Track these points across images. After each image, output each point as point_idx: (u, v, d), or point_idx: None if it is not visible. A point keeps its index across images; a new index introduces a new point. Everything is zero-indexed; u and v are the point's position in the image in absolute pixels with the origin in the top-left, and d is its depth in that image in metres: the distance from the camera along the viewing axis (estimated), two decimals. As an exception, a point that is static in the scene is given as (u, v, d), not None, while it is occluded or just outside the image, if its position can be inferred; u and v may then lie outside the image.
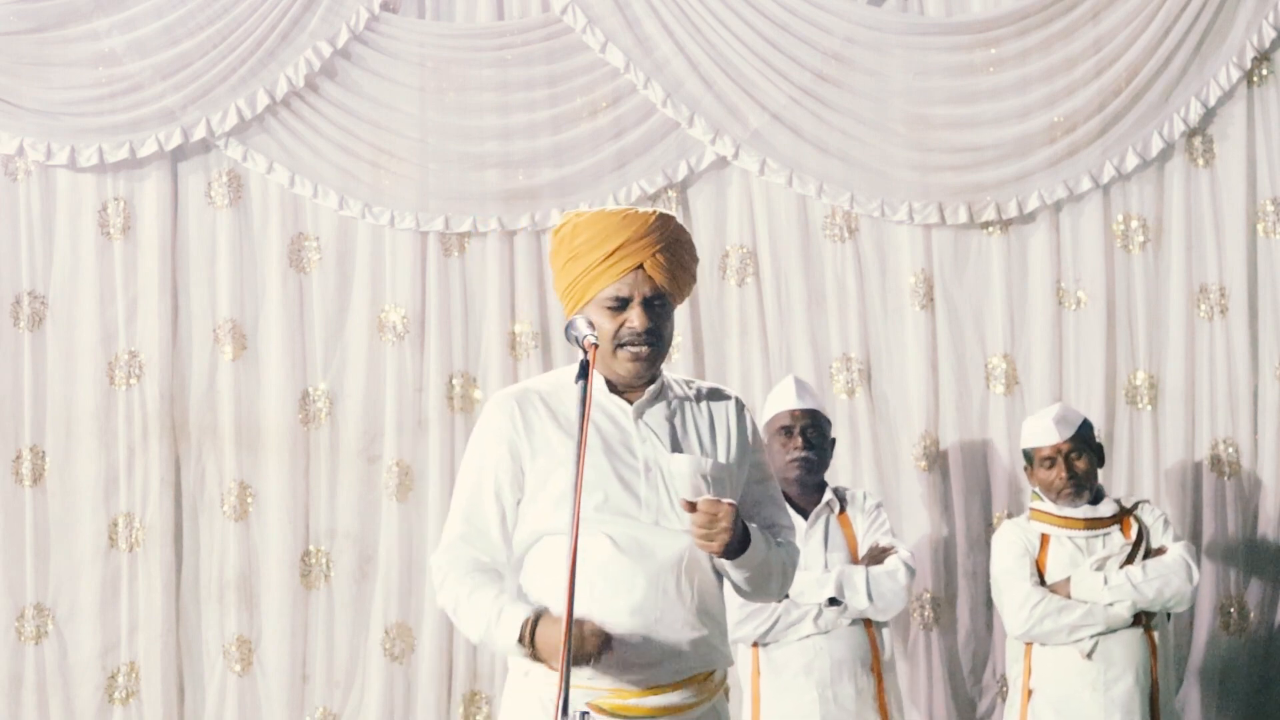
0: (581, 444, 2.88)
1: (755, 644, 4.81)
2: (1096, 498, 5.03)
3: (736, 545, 3.07)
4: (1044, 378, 5.84)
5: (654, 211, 3.24)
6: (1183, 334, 5.87)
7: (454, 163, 5.91)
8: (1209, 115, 5.90)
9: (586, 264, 3.18)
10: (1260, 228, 5.90)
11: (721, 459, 3.23)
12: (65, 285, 5.88)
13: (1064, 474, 4.96)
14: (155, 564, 5.81)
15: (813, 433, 4.97)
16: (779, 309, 5.90)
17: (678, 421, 3.23)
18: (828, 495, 4.95)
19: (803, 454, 4.93)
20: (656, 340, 3.19)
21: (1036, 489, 5.07)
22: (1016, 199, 5.87)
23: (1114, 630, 4.83)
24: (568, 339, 3.15)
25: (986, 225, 5.92)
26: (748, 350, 5.90)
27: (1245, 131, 5.90)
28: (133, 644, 5.81)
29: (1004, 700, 5.55)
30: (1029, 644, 4.92)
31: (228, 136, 5.87)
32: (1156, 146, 5.86)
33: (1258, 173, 5.91)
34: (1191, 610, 5.55)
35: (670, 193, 5.93)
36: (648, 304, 3.18)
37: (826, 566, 4.83)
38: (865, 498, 5.03)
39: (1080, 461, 4.98)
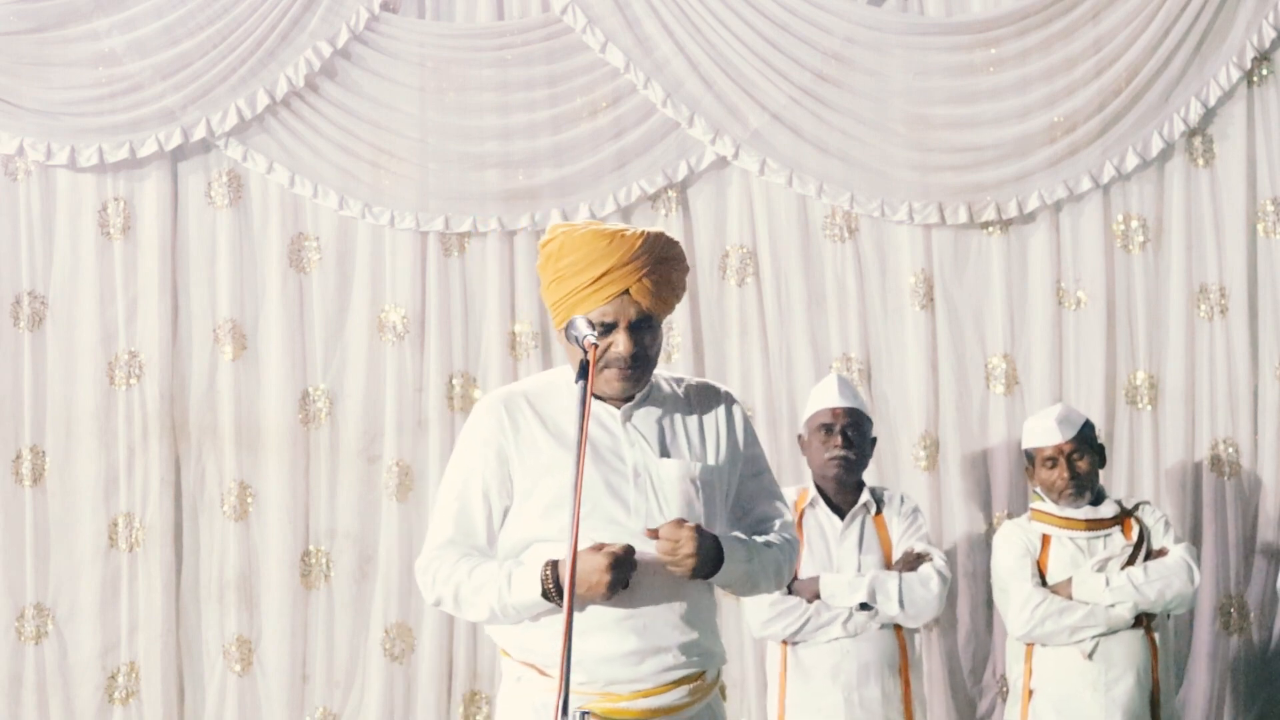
0: (581, 444, 2.87)
1: (785, 642, 4.80)
2: (1098, 499, 5.03)
3: (709, 565, 3.08)
4: (1044, 378, 5.84)
5: (641, 233, 3.19)
6: (1183, 334, 5.87)
7: (454, 163, 5.91)
8: (1209, 115, 5.90)
9: (572, 286, 3.16)
10: (1260, 228, 5.90)
11: (711, 460, 3.22)
12: (65, 285, 5.88)
13: (1066, 474, 4.96)
14: (155, 564, 5.81)
15: (853, 432, 4.94)
16: (779, 309, 5.89)
17: (667, 423, 3.22)
18: (864, 496, 4.92)
19: (842, 453, 4.90)
20: (643, 363, 3.18)
21: (1037, 489, 5.07)
22: (1016, 199, 5.87)
23: (1115, 631, 4.83)
24: (567, 338, 3.15)
25: (986, 225, 5.92)
26: (748, 350, 5.89)
27: (1245, 131, 5.90)
28: (133, 644, 5.81)
29: (1004, 700, 5.55)
30: (1030, 644, 4.91)
31: (228, 136, 5.87)
32: (1156, 146, 5.86)
33: (1258, 173, 5.91)
34: (1191, 610, 5.54)
35: (670, 193, 5.93)
36: (634, 328, 3.15)
37: (860, 569, 4.81)
38: (903, 500, 4.99)
39: (1082, 462, 4.98)
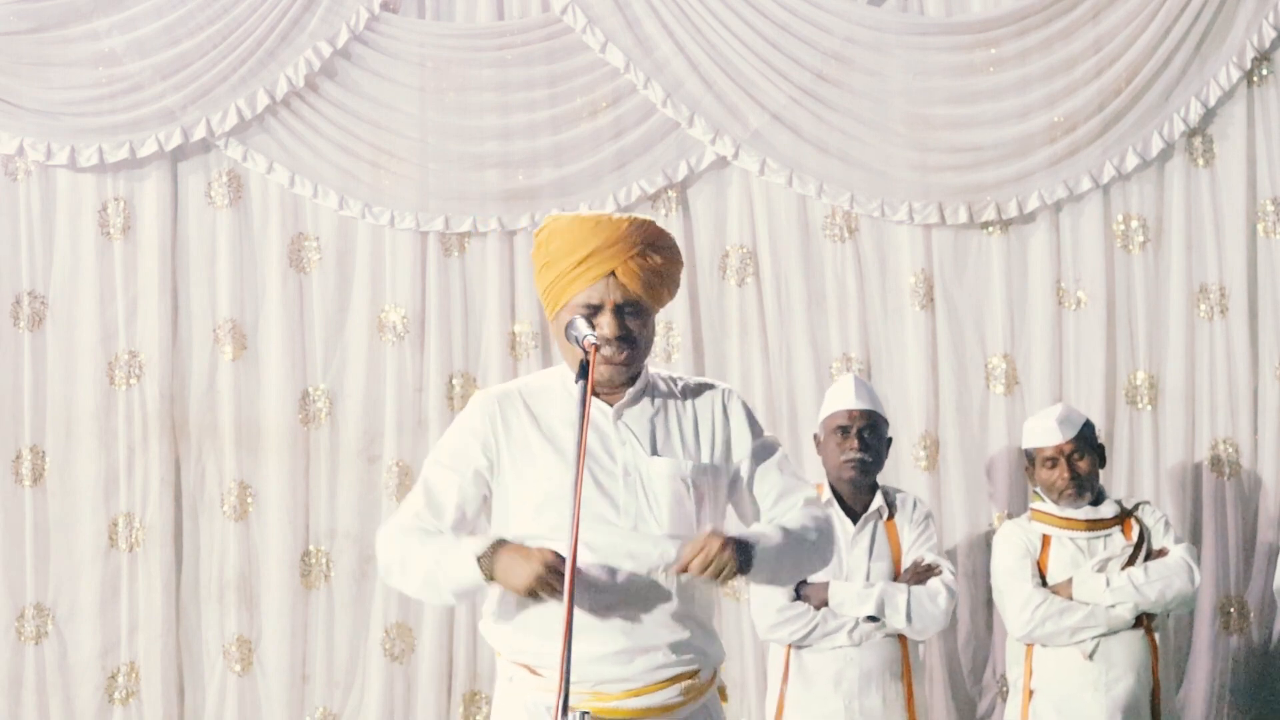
0: (581, 444, 2.86)
1: (789, 645, 4.79)
2: (1098, 499, 5.02)
3: (745, 558, 3.04)
4: (1044, 378, 5.84)
5: (629, 218, 3.20)
6: (1183, 334, 5.87)
7: (454, 163, 5.91)
8: (1209, 115, 5.90)
9: (560, 270, 3.16)
10: (1260, 228, 5.90)
11: (705, 459, 3.19)
12: (65, 285, 5.88)
13: (1066, 474, 4.96)
14: (155, 564, 5.81)
15: (870, 434, 4.91)
16: (779, 309, 5.89)
17: (659, 421, 3.19)
18: (877, 501, 4.90)
19: (858, 455, 4.88)
20: (629, 345, 3.15)
21: (1037, 489, 5.07)
22: (1016, 199, 5.87)
23: (1115, 631, 4.83)
24: (567, 338, 3.14)
25: (986, 225, 5.92)
26: (748, 350, 5.89)
27: (1245, 131, 5.90)
28: (133, 644, 5.81)
29: (1004, 700, 5.54)
30: (1030, 645, 4.91)
31: (228, 136, 5.87)
32: (1156, 146, 5.86)
33: (1258, 173, 5.91)
34: (1191, 610, 5.54)
35: (670, 193, 5.93)
36: (619, 310, 3.14)
37: (869, 576, 4.80)
38: (915, 506, 4.96)
39: (1082, 462, 4.98)
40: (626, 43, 5.86)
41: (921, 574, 4.80)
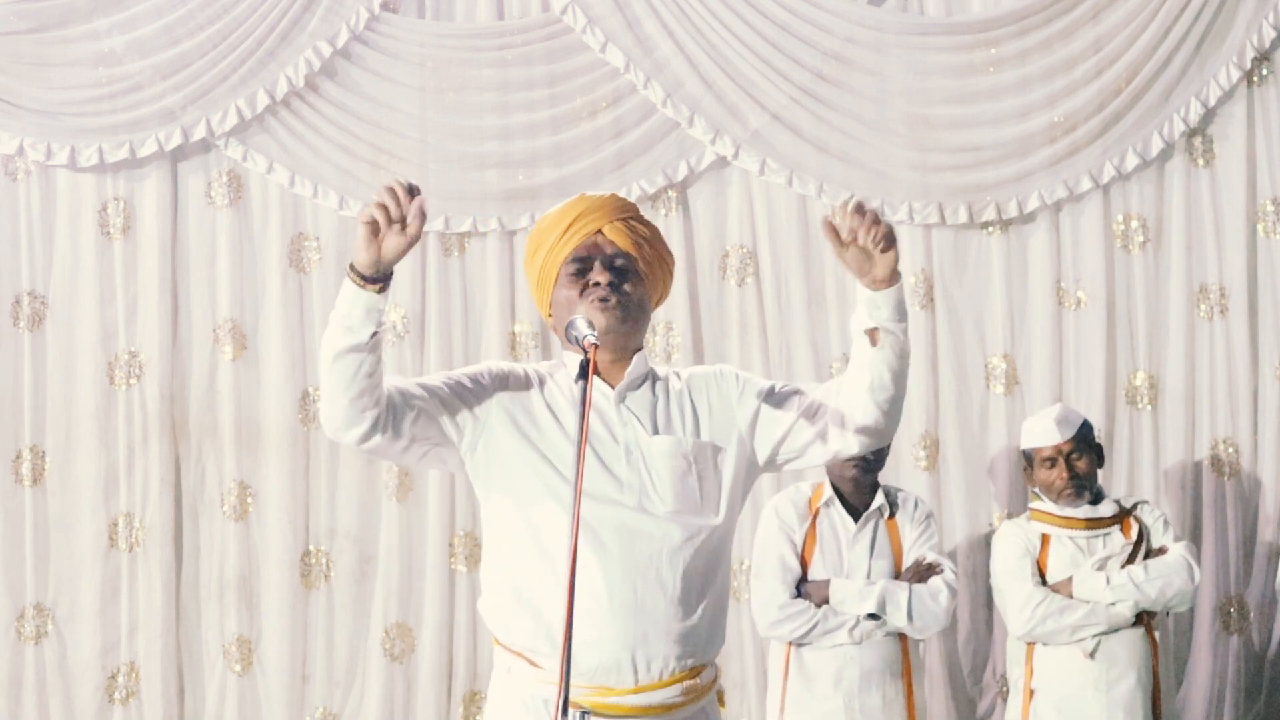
0: (581, 444, 2.83)
1: (790, 643, 4.79)
2: (1096, 498, 5.02)
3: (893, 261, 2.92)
4: (1044, 378, 5.84)
5: (612, 193, 3.25)
6: (1183, 334, 5.87)
7: (454, 163, 5.91)
8: (1209, 115, 5.90)
9: (548, 245, 3.15)
10: (1260, 228, 5.90)
11: (706, 436, 3.14)
12: (65, 285, 5.88)
13: (1065, 474, 4.96)
14: (155, 564, 5.80)
15: None
16: (779, 309, 5.89)
17: (661, 406, 3.16)
18: (879, 500, 4.89)
19: (860, 454, 4.88)
20: (623, 295, 3.10)
21: (1036, 489, 5.07)
22: (1016, 199, 5.87)
23: (1116, 630, 4.83)
24: (567, 338, 3.12)
25: (986, 225, 5.92)
26: (748, 350, 5.89)
27: (1245, 131, 5.90)
28: (133, 644, 5.81)
29: (1004, 700, 5.55)
30: (1031, 644, 4.91)
31: (228, 136, 5.87)
32: (1156, 146, 5.86)
33: (1258, 173, 5.91)
34: (1191, 610, 5.55)
35: (670, 193, 5.93)
36: (609, 262, 3.11)
37: (870, 574, 4.79)
38: (916, 505, 4.95)
39: (1081, 462, 4.98)
40: (626, 43, 5.86)
41: (923, 572, 4.80)
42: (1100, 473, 5.10)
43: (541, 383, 3.17)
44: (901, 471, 5.78)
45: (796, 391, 3.20)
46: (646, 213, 5.77)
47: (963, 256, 5.93)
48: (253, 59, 5.84)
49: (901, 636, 4.80)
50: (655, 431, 3.12)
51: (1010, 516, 5.51)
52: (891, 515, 4.90)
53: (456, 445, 3.11)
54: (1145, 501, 5.11)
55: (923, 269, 5.88)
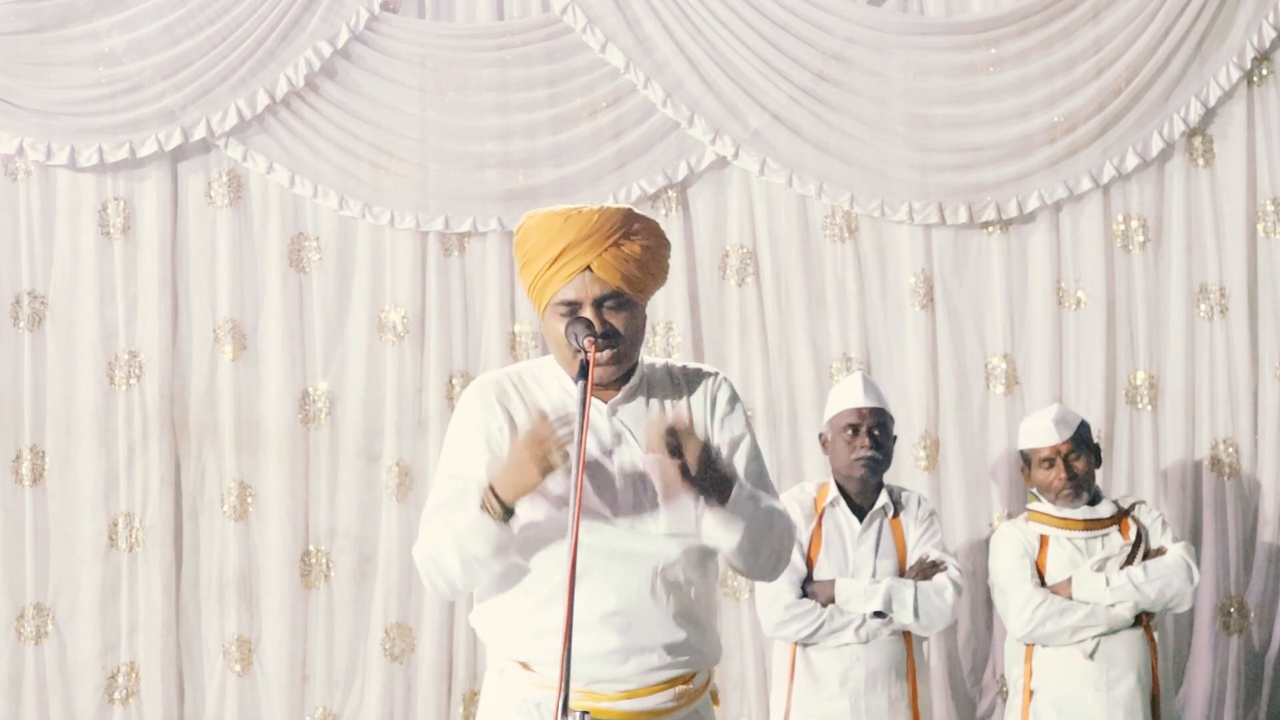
0: (581, 444, 2.83)
1: (795, 643, 4.79)
2: (1094, 499, 5.02)
3: (713, 485, 2.94)
4: (1044, 378, 5.85)
5: (600, 208, 3.13)
6: (1183, 334, 5.87)
7: (454, 163, 5.91)
8: (1209, 115, 5.90)
9: (537, 269, 3.11)
10: (1260, 228, 5.90)
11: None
12: (65, 285, 5.89)
13: (1063, 475, 4.95)
14: (155, 564, 5.81)
15: (879, 432, 4.89)
16: (779, 309, 5.89)
17: (656, 417, 3.11)
18: (883, 499, 4.88)
19: (869, 453, 4.86)
20: (614, 342, 3.06)
21: (1034, 490, 5.06)
22: (1016, 199, 5.87)
23: (1115, 630, 4.83)
24: (567, 338, 3.12)
25: (986, 225, 5.92)
26: (748, 350, 5.89)
27: (1245, 131, 5.90)
28: (133, 644, 5.81)
29: (1004, 700, 5.54)
30: (1030, 645, 4.91)
31: (228, 136, 5.87)
32: (1156, 146, 5.86)
33: (1258, 173, 5.91)
34: (1191, 610, 5.54)
35: (670, 193, 5.93)
36: (599, 305, 3.07)
37: (875, 573, 4.79)
38: (920, 504, 4.94)
39: (1079, 462, 4.97)
40: (626, 43, 5.86)
41: (927, 570, 4.80)
42: (1099, 473, 5.11)
43: (521, 394, 3.15)
44: (901, 471, 5.77)
45: (751, 460, 3.20)
46: (646, 213, 5.82)
47: (963, 256, 5.93)
48: (253, 59, 5.84)
49: (906, 636, 4.80)
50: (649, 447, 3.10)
51: (1010, 516, 5.51)
52: (896, 514, 4.90)
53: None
54: (1143, 502, 5.11)
55: (923, 269, 5.88)
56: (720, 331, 5.93)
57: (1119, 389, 5.89)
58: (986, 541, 5.46)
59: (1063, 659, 4.85)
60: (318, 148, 5.88)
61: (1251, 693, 5.77)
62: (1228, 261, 5.87)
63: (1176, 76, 5.86)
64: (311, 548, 5.88)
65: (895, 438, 5.03)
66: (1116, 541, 4.94)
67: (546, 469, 2.90)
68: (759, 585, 4.86)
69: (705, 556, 3.11)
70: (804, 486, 4.98)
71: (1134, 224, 5.91)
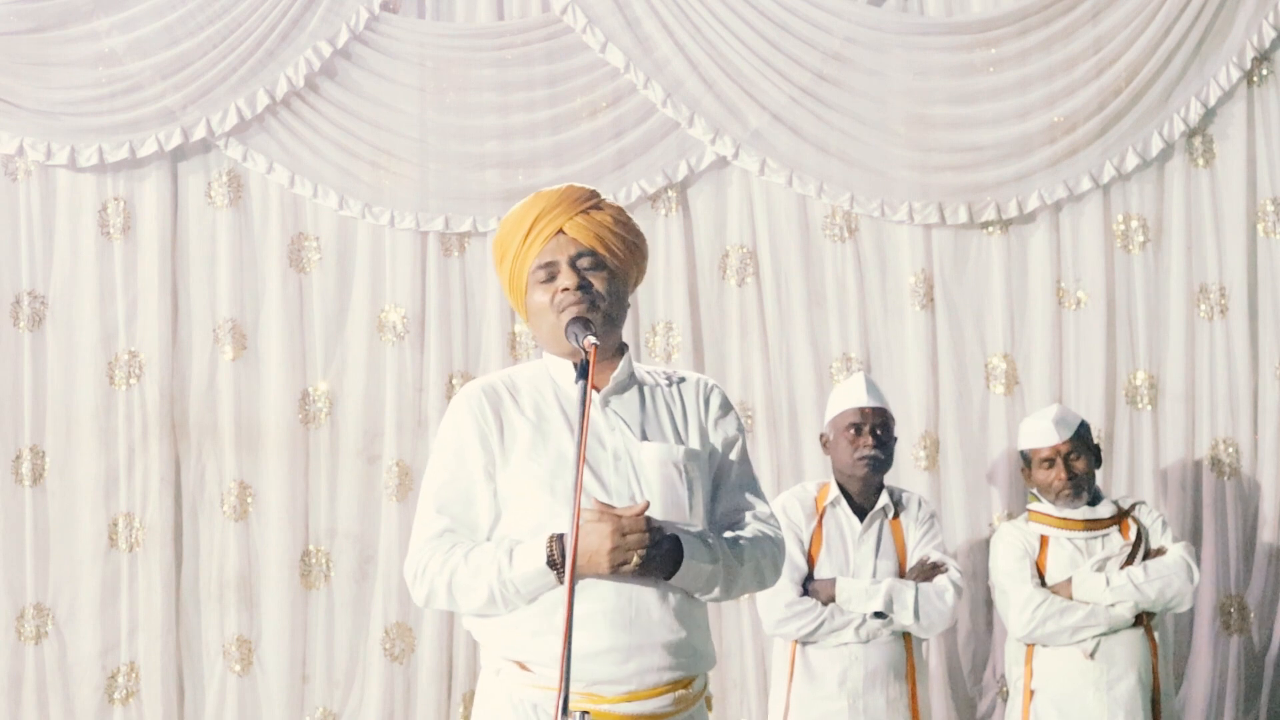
0: (581, 444, 2.82)
1: (795, 642, 4.79)
2: (1094, 499, 5.03)
3: (665, 565, 2.96)
4: (1044, 378, 5.85)
5: (568, 184, 3.19)
6: (1183, 334, 5.87)
7: (454, 163, 5.91)
8: (1209, 115, 5.90)
9: (513, 250, 3.13)
10: (1260, 228, 5.90)
11: (695, 445, 3.13)
12: (65, 285, 5.89)
13: (1063, 475, 4.96)
14: (155, 564, 5.81)
15: (882, 432, 4.91)
16: (779, 309, 5.89)
17: (648, 409, 3.14)
18: (883, 500, 4.89)
19: (872, 452, 4.87)
20: (592, 296, 3.08)
21: (1034, 490, 5.07)
22: (1016, 199, 5.87)
23: (1116, 630, 4.83)
24: (566, 338, 3.12)
25: (986, 225, 5.92)
26: (748, 350, 5.89)
27: (1245, 131, 5.90)
28: (133, 644, 5.81)
29: (1004, 700, 5.55)
30: (1031, 645, 4.91)
31: (228, 136, 5.87)
32: (1156, 146, 5.86)
33: (1258, 173, 5.91)
34: (1191, 610, 5.55)
35: (670, 193, 5.93)
36: (574, 263, 3.09)
37: (875, 574, 4.79)
38: (920, 505, 4.95)
39: (1079, 462, 4.98)
40: (626, 43, 5.86)
41: (928, 571, 4.80)
42: (1099, 473, 5.11)
43: (514, 396, 3.15)
44: (901, 471, 5.78)
45: (740, 463, 3.21)
46: (646, 213, 5.89)
47: (963, 256, 5.93)
48: (253, 59, 5.84)
49: (906, 637, 4.80)
50: (643, 437, 3.10)
51: (1010, 517, 5.51)
52: (896, 515, 4.90)
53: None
54: (1143, 502, 5.12)
55: (923, 269, 5.88)
56: (720, 331, 5.93)
57: (1119, 389, 5.89)
58: (986, 541, 5.47)
59: (1063, 659, 4.85)
60: (318, 148, 5.88)
61: (1251, 693, 5.78)
62: (1228, 261, 5.87)
63: (1176, 76, 5.86)
64: (311, 548, 5.88)
65: (896, 438, 5.04)
66: (1116, 541, 4.94)
67: (618, 565, 2.91)
68: None
69: None
70: (805, 486, 4.98)
71: (1134, 224, 5.91)
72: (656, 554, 2.94)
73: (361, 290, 5.92)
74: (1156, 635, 4.90)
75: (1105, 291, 5.87)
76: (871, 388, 4.99)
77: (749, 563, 3.10)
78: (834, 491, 4.89)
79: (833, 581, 4.75)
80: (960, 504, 5.82)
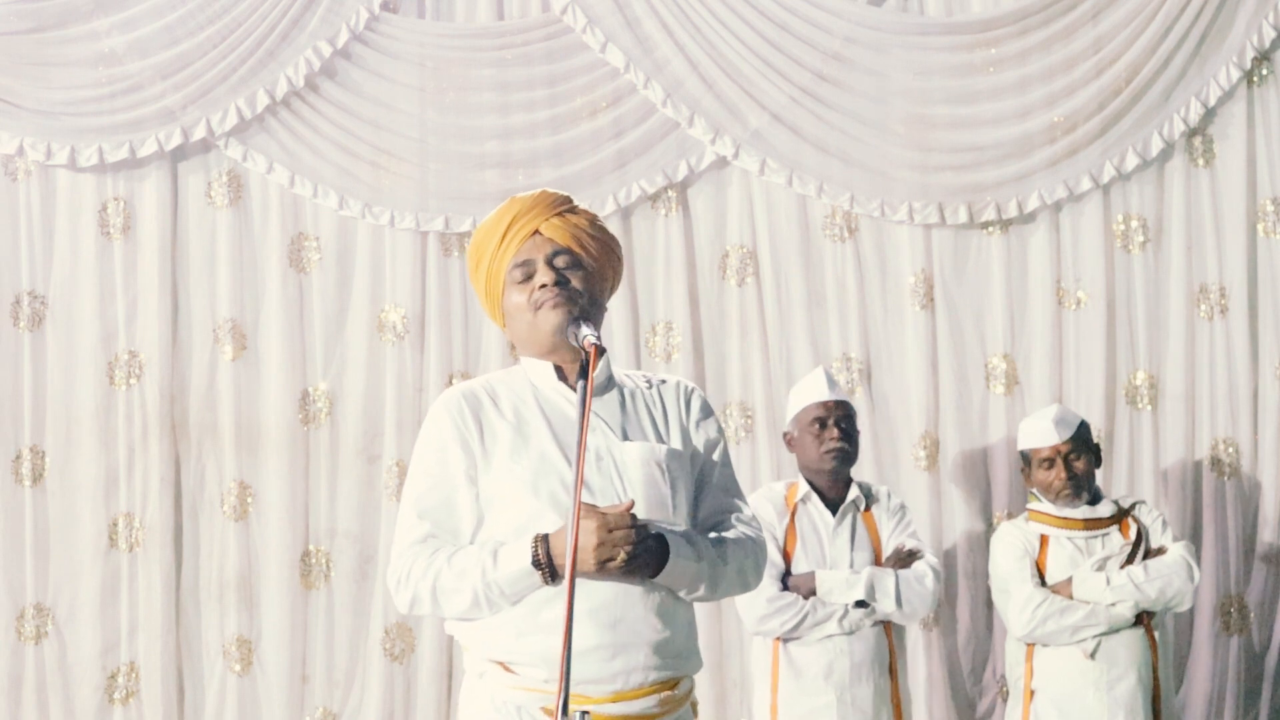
0: (581, 444, 2.81)
1: (777, 639, 4.79)
2: (1094, 498, 5.03)
3: (650, 563, 2.95)
4: (1044, 378, 5.85)
5: (541, 189, 3.21)
6: (1183, 334, 5.87)
7: (454, 163, 5.91)
8: (1209, 115, 5.90)
9: (490, 253, 3.14)
10: (1260, 228, 5.90)
11: (676, 445, 3.13)
12: (65, 285, 5.88)
13: (1063, 475, 4.96)
14: (155, 564, 5.80)
15: (846, 424, 4.94)
16: (779, 309, 5.89)
17: (629, 409, 3.14)
18: (853, 492, 4.91)
19: (839, 445, 4.89)
20: (570, 292, 3.08)
21: (1034, 490, 5.07)
22: (1016, 199, 5.87)
23: (1116, 630, 4.83)
24: (566, 338, 3.12)
25: (986, 225, 5.92)
26: (748, 350, 5.89)
27: (1245, 131, 5.90)
28: (133, 644, 5.81)
29: (1004, 700, 5.55)
30: (1031, 645, 4.91)
31: (228, 136, 5.87)
32: (1156, 146, 5.86)
33: (1258, 173, 5.91)
34: (1191, 610, 5.55)
35: (670, 193, 5.93)
36: (551, 261, 3.10)
37: (852, 565, 4.81)
38: (889, 496, 4.98)
39: (1079, 462, 4.98)
40: (626, 43, 5.86)
41: (905, 559, 4.82)
42: (1099, 473, 5.11)
43: (494, 400, 3.14)
44: (901, 471, 5.79)
45: (722, 465, 3.20)
46: (646, 213, 5.90)
47: (963, 256, 5.93)
48: (253, 59, 5.84)
49: (887, 628, 4.80)
50: (625, 438, 3.10)
51: (1010, 516, 5.51)
52: (868, 508, 4.92)
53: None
54: (1143, 502, 5.12)
55: (923, 269, 5.88)
56: (720, 331, 5.93)
57: (1119, 389, 5.89)
58: (987, 541, 5.47)
59: (1063, 659, 4.85)
60: (318, 148, 5.88)
61: (1251, 693, 5.77)
62: (1228, 261, 5.87)
63: (1176, 76, 5.86)
64: (311, 548, 5.88)
65: (859, 431, 5.05)
66: (1117, 541, 4.94)
67: (604, 563, 2.89)
68: None
69: None
70: (772, 486, 5.02)
71: (1134, 224, 5.91)
72: (642, 551, 2.93)
73: (361, 290, 5.92)
74: (1157, 635, 4.90)
75: (1105, 291, 5.87)
76: (832, 382, 5.02)
77: (733, 563, 3.10)
78: (804, 488, 4.90)
79: (812, 574, 4.75)
80: (960, 504, 5.82)
